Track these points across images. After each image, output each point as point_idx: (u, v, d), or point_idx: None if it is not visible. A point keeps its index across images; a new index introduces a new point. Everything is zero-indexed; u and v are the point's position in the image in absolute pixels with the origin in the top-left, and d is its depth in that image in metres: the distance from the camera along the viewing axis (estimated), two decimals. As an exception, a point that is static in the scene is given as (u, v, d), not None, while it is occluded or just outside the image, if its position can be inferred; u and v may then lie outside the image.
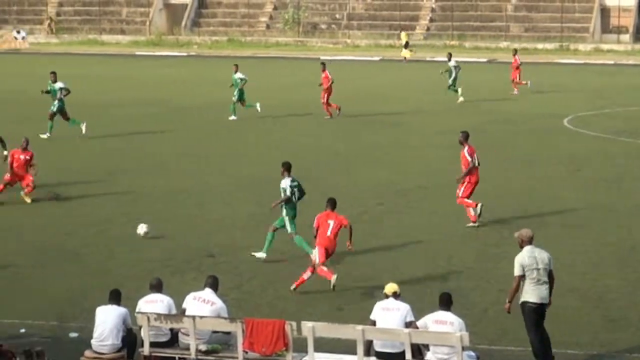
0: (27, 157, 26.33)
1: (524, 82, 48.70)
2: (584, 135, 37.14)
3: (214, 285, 15.29)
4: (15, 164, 26.17)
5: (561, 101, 46.30)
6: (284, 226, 20.83)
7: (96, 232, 23.29)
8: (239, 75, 40.48)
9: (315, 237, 19.13)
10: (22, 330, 16.82)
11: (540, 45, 73.93)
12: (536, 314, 15.21)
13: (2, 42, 77.68)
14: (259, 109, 40.22)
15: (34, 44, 78.70)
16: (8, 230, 23.52)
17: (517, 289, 15.27)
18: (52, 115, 35.65)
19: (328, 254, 18.96)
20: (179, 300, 15.28)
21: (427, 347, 14.35)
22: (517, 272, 15.25)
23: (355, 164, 31.39)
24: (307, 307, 17.98)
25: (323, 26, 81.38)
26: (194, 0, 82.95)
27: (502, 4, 78.23)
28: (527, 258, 15.23)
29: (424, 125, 39.31)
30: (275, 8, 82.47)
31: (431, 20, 79.34)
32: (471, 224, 23.52)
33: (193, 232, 23.23)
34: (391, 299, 14.84)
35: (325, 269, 18.85)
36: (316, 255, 18.92)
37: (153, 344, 14.88)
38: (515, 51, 50.93)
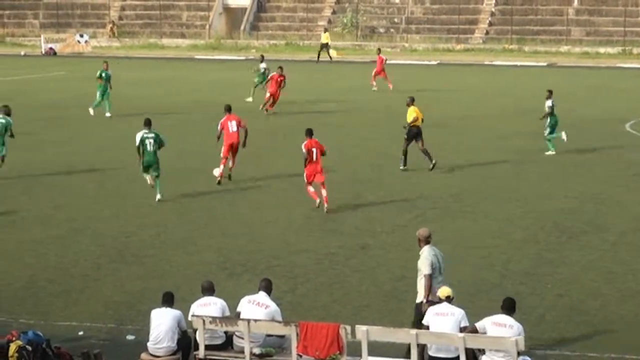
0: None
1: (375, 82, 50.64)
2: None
3: (267, 288, 15.32)
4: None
5: (624, 105, 45.79)
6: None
7: (153, 235, 23.42)
8: (263, 65, 44.25)
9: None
10: (80, 333, 16.95)
11: (602, 50, 73.20)
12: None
13: (66, 45, 78.66)
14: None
15: (97, 47, 79.57)
16: (65, 232, 23.69)
17: (430, 288, 15.34)
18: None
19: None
20: (233, 303, 15.33)
21: (482, 351, 14.25)
22: (427, 271, 15.46)
23: (408, 172, 31.26)
24: (361, 311, 17.95)
25: (381, 30, 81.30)
26: (253, 5, 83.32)
27: (563, 8, 77.59)
28: (433, 257, 15.49)
29: (479, 129, 39.05)
30: (334, 12, 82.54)
31: (490, 24, 78.93)
32: None
33: (248, 235, 23.23)
34: (445, 304, 14.76)
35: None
36: None
37: (208, 347, 14.95)
38: (379, 50, 54.33)
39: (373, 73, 51.93)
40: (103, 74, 41.90)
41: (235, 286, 18.64)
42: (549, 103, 34.23)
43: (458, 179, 29.51)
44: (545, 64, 68.05)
